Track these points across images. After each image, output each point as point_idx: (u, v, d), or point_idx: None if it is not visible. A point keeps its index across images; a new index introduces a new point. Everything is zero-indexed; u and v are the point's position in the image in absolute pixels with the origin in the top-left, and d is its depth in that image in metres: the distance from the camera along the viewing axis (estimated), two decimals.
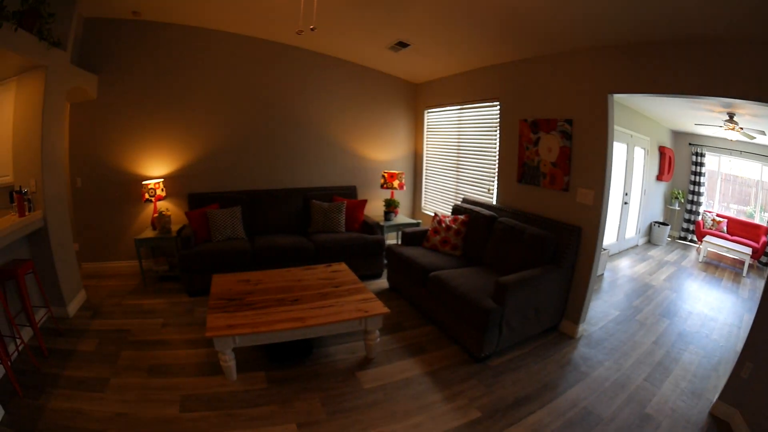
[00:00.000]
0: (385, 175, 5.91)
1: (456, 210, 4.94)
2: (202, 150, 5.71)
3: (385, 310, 3.23)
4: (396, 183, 5.84)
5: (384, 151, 6.41)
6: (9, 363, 3.06)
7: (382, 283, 5.18)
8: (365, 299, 3.44)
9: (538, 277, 3.38)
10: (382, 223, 5.52)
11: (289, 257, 4.86)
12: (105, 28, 5.09)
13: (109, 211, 5.61)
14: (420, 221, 5.79)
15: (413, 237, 4.87)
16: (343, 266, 4.18)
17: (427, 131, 6.31)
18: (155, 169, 5.64)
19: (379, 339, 3.41)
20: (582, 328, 3.71)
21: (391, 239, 6.32)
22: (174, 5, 4.74)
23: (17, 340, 3.34)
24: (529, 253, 3.59)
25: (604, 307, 4.46)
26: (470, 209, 4.65)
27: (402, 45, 4.77)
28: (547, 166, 3.89)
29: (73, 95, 5.06)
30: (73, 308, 4.42)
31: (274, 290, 3.60)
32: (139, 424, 2.77)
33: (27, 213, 3.91)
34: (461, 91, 5.39)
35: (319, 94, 5.95)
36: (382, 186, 5.96)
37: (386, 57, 5.40)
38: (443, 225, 4.64)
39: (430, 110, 6.16)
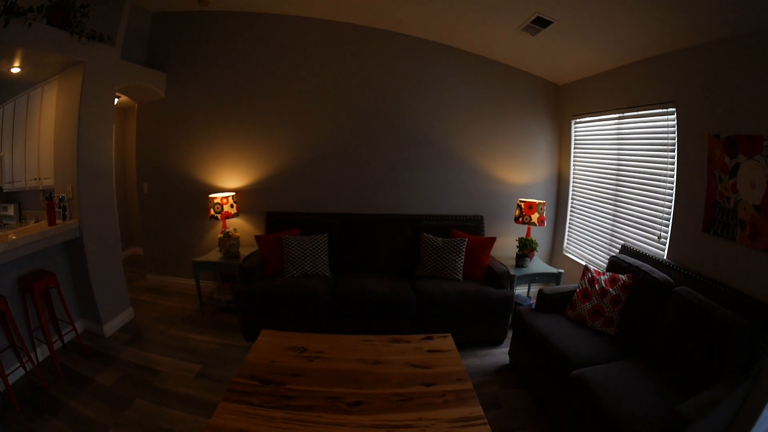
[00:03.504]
0: (522, 204, 4.37)
1: (614, 264, 3.30)
2: (286, 161, 4.77)
3: None
4: (535, 217, 4.27)
5: (519, 173, 4.84)
6: (7, 379, 2.95)
7: (502, 354, 3.68)
8: (467, 420, 2.00)
9: (727, 399, 2.12)
10: (513, 272, 3.98)
11: (379, 311, 3.65)
12: (173, 23, 4.69)
13: (176, 222, 5.07)
14: (562, 271, 4.12)
15: (553, 300, 3.32)
16: (448, 343, 2.73)
17: (575, 148, 4.62)
18: (228, 180, 4.87)
19: None
20: None
21: (521, 287, 4.75)
22: None
23: (24, 357, 3.24)
24: (713, 350, 2.33)
25: None
26: (635, 267, 3.07)
27: (541, 23, 3.41)
28: (748, 210, 2.56)
29: (139, 94, 4.84)
30: (111, 327, 4.08)
31: (333, 376, 2.33)
32: None
33: (61, 221, 3.70)
34: (621, 91, 3.76)
35: (435, 95, 4.65)
36: (516, 219, 4.43)
37: (520, 45, 3.98)
38: (597, 287, 3.08)
39: (578, 119, 4.50)
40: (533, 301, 4.10)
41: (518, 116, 4.71)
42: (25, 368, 3.23)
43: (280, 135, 4.71)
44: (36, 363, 3.26)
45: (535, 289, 4.78)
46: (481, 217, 4.64)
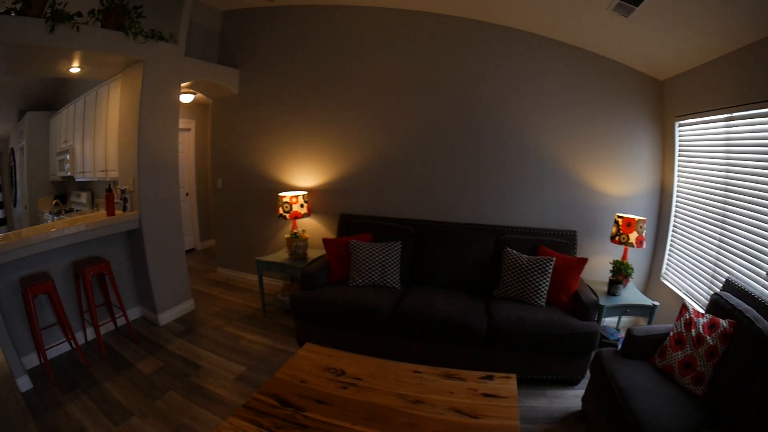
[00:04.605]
0: (620, 221, 3.66)
1: (715, 304, 2.55)
2: (362, 160, 4.48)
3: None
4: (633, 236, 3.55)
5: (617, 183, 4.08)
6: (45, 352, 3.16)
7: (575, 398, 3.03)
8: None
9: None
10: (602, 302, 3.32)
11: (445, 335, 3.14)
12: (243, 20, 4.70)
13: (248, 218, 5.07)
14: (657, 303, 3.36)
15: (642, 343, 2.67)
16: (509, 387, 2.20)
17: (679, 156, 3.81)
18: (301, 178, 4.70)
19: None
20: None
21: (610, 317, 3.90)
22: None
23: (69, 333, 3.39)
24: None
25: None
26: (738, 311, 2.36)
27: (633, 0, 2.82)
28: None
29: (211, 91, 4.93)
30: (166, 317, 4.11)
31: (362, 411, 1.97)
32: None
33: (121, 212, 3.83)
34: (728, 85, 2.97)
35: (524, 92, 4.06)
36: (612, 238, 3.72)
37: (614, 30, 3.36)
38: (693, 332, 2.41)
39: (682, 121, 3.67)
40: (621, 335, 3.43)
41: (616, 116, 3.99)
42: (70, 344, 3.40)
43: (356, 133, 4.45)
44: (77, 342, 3.39)
45: (625, 320, 4.06)
46: (574, 232, 3.97)
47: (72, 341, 3.32)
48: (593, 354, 2.96)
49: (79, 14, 3.06)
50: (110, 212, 3.66)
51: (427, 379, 2.21)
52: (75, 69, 3.70)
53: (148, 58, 3.62)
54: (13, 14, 2.84)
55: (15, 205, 7.34)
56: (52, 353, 3.34)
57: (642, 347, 2.65)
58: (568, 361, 3.08)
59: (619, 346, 3.29)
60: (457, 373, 2.27)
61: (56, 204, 4.71)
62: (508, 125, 4.09)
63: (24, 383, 2.97)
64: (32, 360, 3.23)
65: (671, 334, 2.55)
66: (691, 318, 2.49)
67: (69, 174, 5.30)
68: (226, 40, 4.78)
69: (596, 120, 3.99)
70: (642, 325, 3.54)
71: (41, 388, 2.99)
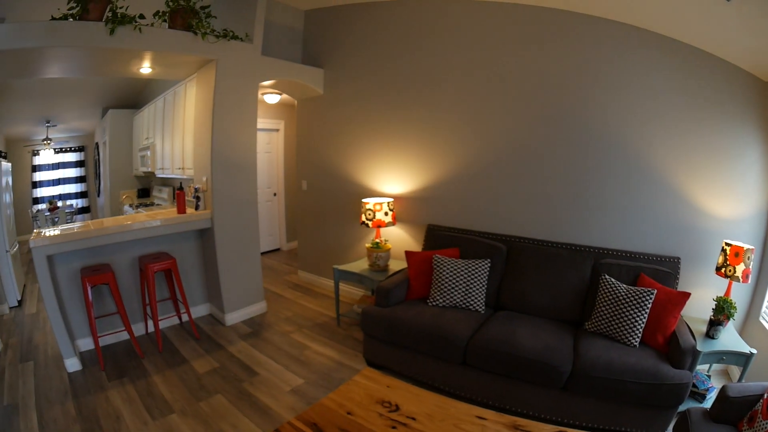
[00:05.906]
0: (727, 249, 3.10)
1: None
2: (454, 168, 4.20)
3: None
4: (740, 269, 3.00)
5: (724, 202, 3.48)
6: (98, 340, 3.28)
7: None
8: None
9: None
10: (699, 347, 2.81)
11: (519, 373, 2.81)
12: (325, 19, 4.64)
13: (331, 223, 5.02)
14: (754, 351, 2.82)
15: (734, 405, 2.22)
16: None
17: None
18: (388, 184, 4.53)
19: None
20: None
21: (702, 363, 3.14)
22: None
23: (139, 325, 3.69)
24: None
25: None
26: None
27: None
28: None
29: (295, 91, 4.93)
30: (234, 318, 4.13)
31: None
32: None
33: (193, 210, 3.92)
34: None
35: (625, 93, 3.55)
36: (717, 269, 3.15)
37: (717, 19, 2.89)
38: None
39: None
40: (712, 384, 3.01)
41: (722, 124, 3.40)
42: (129, 333, 3.47)
43: (448, 138, 4.19)
44: (133, 333, 3.47)
45: (717, 365, 3.55)
46: (678, 259, 3.43)
47: (127, 332, 3.42)
48: (680, 408, 2.60)
49: (142, 16, 3.10)
50: (181, 210, 3.76)
51: (489, 429, 2.00)
52: (146, 69, 3.80)
53: (221, 58, 3.64)
54: (70, 20, 2.90)
55: (99, 195, 7.97)
56: (110, 340, 3.54)
57: (733, 409, 2.25)
58: (651, 414, 2.71)
59: (708, 396, 2.92)
60: (526, 425, 2.03)
61: (127, 197, 5.02)
62: (612, 135, 3.63)
63: (72, 364, 3.14)
64: (88, 343, 3.41)
65: (765, 396, 2.14)
66: None
67: (149, 170, 5.60)
68: (310, 40, 4.78)
69: (702, 128, 3.45)
70: (735, 371, 3.10)
71: (89, 371, 3.13)
